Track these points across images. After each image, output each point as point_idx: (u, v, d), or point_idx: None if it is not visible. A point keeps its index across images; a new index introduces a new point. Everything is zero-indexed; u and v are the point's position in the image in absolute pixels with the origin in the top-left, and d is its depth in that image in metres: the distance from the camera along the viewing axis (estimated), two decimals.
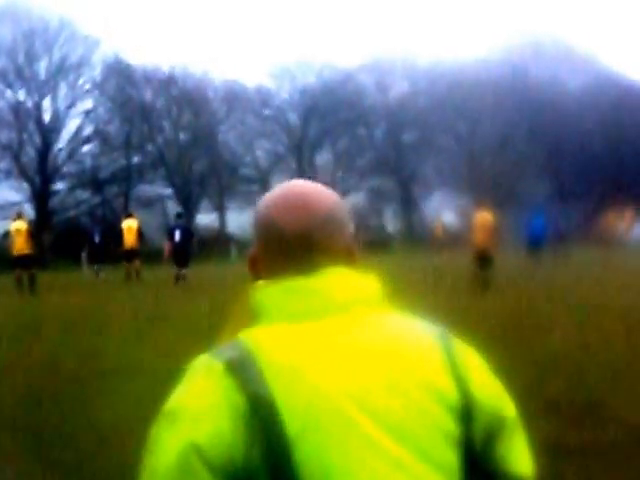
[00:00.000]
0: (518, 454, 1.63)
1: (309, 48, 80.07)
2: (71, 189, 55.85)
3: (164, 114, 59.28)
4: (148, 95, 58.29)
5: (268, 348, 1.45)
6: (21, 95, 53.75)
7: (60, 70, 54.07)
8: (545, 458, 4.33)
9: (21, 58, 52.94)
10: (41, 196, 52.78)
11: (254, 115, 63.51)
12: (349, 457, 1.38)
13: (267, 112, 64.45)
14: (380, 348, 1.51)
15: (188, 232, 25.22)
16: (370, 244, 44.14)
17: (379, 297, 1.60)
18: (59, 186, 55.78)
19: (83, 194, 56.18)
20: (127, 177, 56.88)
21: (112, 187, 57.02)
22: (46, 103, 54.56)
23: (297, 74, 64.81)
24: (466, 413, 1.52)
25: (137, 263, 26.51)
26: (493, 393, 1.62)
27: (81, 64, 54.77)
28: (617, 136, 62.37)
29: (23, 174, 53.19)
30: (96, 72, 55.89)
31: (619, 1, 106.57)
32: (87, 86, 56.01)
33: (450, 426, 1.48)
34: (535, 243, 28.42)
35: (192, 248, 24.98)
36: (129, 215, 28.90)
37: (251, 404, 1.38)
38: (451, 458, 1.48)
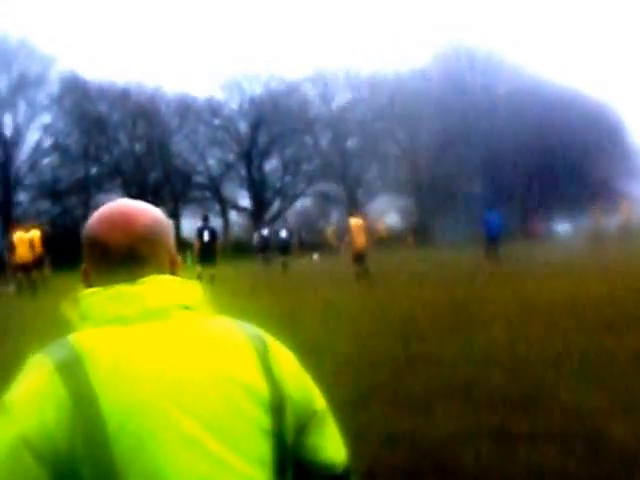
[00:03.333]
0: (328, 443, 1.75)
1: (256, 60, 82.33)
2: (33, 200, 57.30)
3: (120, 126, 61.14)
4: (104, 109, 60.13)
5: (93, 349, 1.54)
6: None
7: (19, 87, 55.74)
8: (493, 444, 5.45)
9: None
10: (4, 206, 54.04)
11: (205, 125, 65.76)
12: (167, 452, 1.48)
13: (217, 122, 66.69)
14: (196, 349, 1.61)
15: (214, 233, 26.27)
16: (315, 245, 47.19)
17: (199, 302, 1.73)
18: (21, 197, 57.44)
19: (44, 204, 57.45)
20: (86, 187, 58.51)
21: (72, 197, 58.46)
22: (7, 119, 56.30)
23: (245, 85, 67.17)
24: (277, 407, 1.63)
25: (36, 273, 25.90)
26: (303, 388, 1.74)
27: (39, 81, 56.60)
28: (547, 137, 64.87)
29: None
30: (54, 88, 57.69)
31: (545, 14, 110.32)
32: (45, 102, 57.84)
33: (262, 420, 1.60)
34: (492, 239, 29.81)
35: (217, 248, 25.81)
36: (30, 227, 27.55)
37: (74, 400, 1.47)
38: (265, 450, 1.59)
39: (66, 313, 1.72)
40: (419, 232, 58.51)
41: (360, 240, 23.10)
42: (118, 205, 1.77)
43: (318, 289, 20.70)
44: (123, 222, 1.70)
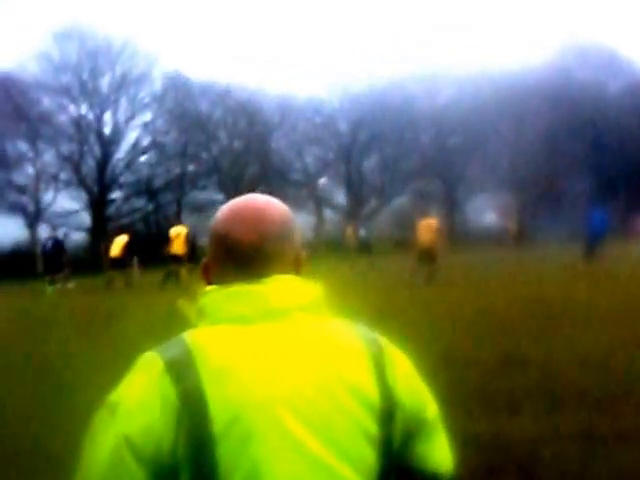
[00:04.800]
0: (436, 453, 1.74)
1: (359, 58, 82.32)
2: (127, 197, 58.48)
3: (219, 124, 61.74)
4: (205, 107, 60.77)
5: (206, 348, 1.57)
6: (83, 109, 56.65)
7: (121, 85, 56.90)
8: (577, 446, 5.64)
9: (85, 75, 55.80)
10: (98, 204, 55.42)
11: (305, 123, 65.74)
12: (271, 455, 1.49)
13: (318, 120, 66.65)
14: (311, 352, 1.61)
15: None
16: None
17: (319, 304, 1.72)
18: (116, 195, 58.55)
19: (138, 202, 58.64)
20: (181, 185, 59.40)
21: (166, 194, 59.30)
22: (107, 116, 57.48)
23: (349, 84, 66.73)
24: (387, 414, 1.62)
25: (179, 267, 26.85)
26: (416, 395, 1.73)
27: (141, 79, 57.59)
28: None
29: (82, 184, 55.88)
30: (156, 86, 58.69)
31: None
32: (147, 100, 58.84)
33: (371, 426, 1.59)
34: (595, 238, 29.68)
35: None
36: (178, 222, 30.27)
37: (182, 399, 1.50)
38: (371, 458, 1.58)
39: (183, 310, 1.72)
40: (519, 231, 57.19)
41: (424, 239, 23.15)
42: (247, 200, 1.78)
43: (402, 289, 20.81)
44: (253, 219, 1.71)
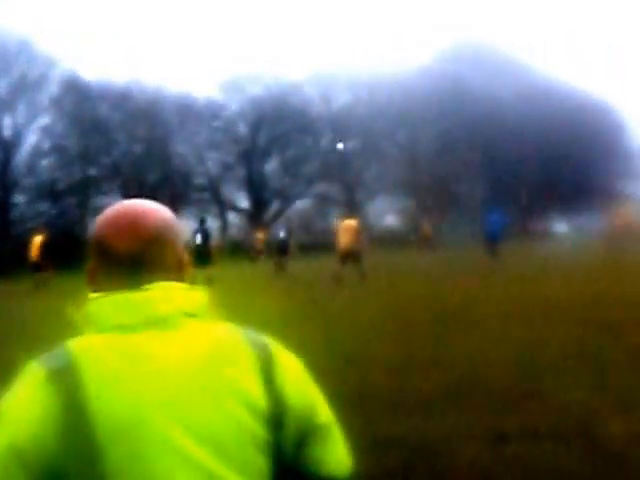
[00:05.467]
0: (331, 456, 1.71)
1: (256, 61, 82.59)
2: (30, 201, 57.04)
3: (119, 128, 61.06)
4: (104, 110, 60.05)
5: (90, 357, 1.54)
6: None
7: (19, 88, 55.42)
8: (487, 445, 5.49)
9: None
10: (1, 208, 54.08)
11: (205, 127, 65.81)
12: (158, 466, 1.47)
13: (217, 124, 66.75)
14: (197, 359, 1.59)
15: (208, 235, 27.09)
16: (314, 247, 47.20)
17: (204, 309, 1.71)
18: (19, 199, 57.14)
19: (42, 206, 57.18)
20: (84, 188, 58.26)
21: (70, 198, 58.19)
22: (6, 121, 56.01)
23: (245, 86, 67.07)
24: (276, 420, 1.61)
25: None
26: (306, 400, 1.70)
27: (39, 82, 56.26)
28: (547, 138, 65.08)
29: None
30: (53, 89, 57.38)
31: (555, 13, 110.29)
32: (45, 103, 57.40)
33: (260, 433, 1.57)
34: (493, 238, 30.91)
35: (211, 250, 26.73)
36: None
37: (65, 409, 1.47)
38: (261, 464, 1.57)
39: (72, 317, 1.68)
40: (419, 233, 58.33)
41: (345, 240, 23.20)
42: (126, 207, 1.74)
43: (312, 290, 20.90)
44: (131, 225, 1.68)
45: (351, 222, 24.07)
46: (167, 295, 1.65)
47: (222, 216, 64.42)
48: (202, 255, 25.78)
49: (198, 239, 26.23)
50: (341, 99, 70.77)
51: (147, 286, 1.64)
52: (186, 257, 1.79)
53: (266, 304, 15.66)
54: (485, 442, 5.76)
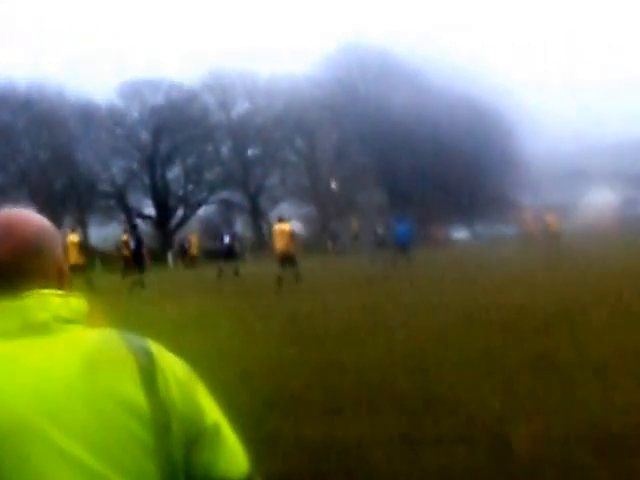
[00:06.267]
0: (222, 459, 1.65)
1: (156, 67, 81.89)
2: None
3: (23, 135, 60.72)
4: (6, 116, 59.54)
5: None
6: None
7: None
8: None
9: None
10: None
11: (108, 133, 65.70)
12: (46, 472, 1.43)
13: (120, 131, 66.71)
14: (75, 364, 1.54)
15: (140, 241, 27.95)
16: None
17: (82, 315, 1.65)
18: None
19: None
20: None
21: None
22: None
23: (146, 93, 67.19)
24: (161, 423, 1.56)
25: None
26: (191, 402, 1.65)
27: None
28: (441, 146, 66.45)
29: None
30: None
31: (437, 16, 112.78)
32: None
33: (144, 437, 1.52)
34: (403, 246, 32.31)
35: (145, 255, 27.42)
36: None
37: None
38: (149, 468, 1.52)
39: None
40: (322, 239, 59.28)
41: (280, 244, 23.84)
42: (1, 215, 1.69)
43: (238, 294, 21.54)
44: (5, 234, 1.63)
45: (284, 226, 24.63)
46: (43, 301, 1.60)
47: (129, 223, 64.38)
48: (136, 260, 26.47)
49: (132, 245, 26.80)
50: (240, 107, 71.30)
51: (23, 294, 1.59)
52: (66, 266, 1.76)
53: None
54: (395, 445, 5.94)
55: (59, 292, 1.65)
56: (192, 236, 44.53)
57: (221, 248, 34.42)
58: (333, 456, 5.72)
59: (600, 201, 65.92)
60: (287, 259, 23.61)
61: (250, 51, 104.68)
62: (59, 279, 1.70)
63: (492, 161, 67.84)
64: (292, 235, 24.40)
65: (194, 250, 42.88)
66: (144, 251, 27.63)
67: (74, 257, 25.46)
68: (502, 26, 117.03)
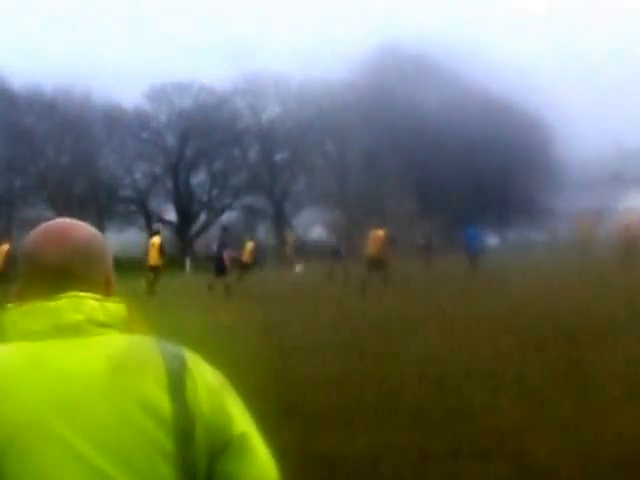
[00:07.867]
0: (248, 470, 1.65)
1: (185, 72, 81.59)
2: None
3: (46, 138, 60.42)
4: (30, 119, 59.46)
5: None
6: None
7: None
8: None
9: None
10: None
11: (133, 138, 65.30)
12: (54, 471, 1.46)
13: (145, 135, 66.37)
14: (101, 368, 1.58)
15: (223, 244, 28.05)
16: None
17: (119, 320, 1.68)
18: None
19: None
20: (9, 200, 57.76)
21: None
22: None
23: (174, 97, 66.76)
24: (184, 430, 1.57)
25: None
26: (219, 410, 1.66)
27: None
28: (475, 151, 65.93)
29: None
30: None
31: (482, 21, 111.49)
32: None
33: (166, 444, 1.54)
34: (474, 253, 32.79)
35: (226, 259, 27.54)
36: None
37: None
38: (166, 474, 1.54)
39: None
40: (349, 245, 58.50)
41: (372, 248, 25.05)
42: (56, 222, 1.77)
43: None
44: (57, 237, 1.69)
45: (379, 232, 25.66)
46: (77, 304, 1.64)
47: (149, 228, 64.03)
48: (217, 263, 27.33)
49: (215, 248, 27.98)
50: (270, 111, 70.55)
51: (59, 295, 1.64)
52: (113, 275, 1.80)
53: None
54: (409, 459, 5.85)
55: (97, 296, 1.68)
56: (249, 243, 42.77)
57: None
58: (346, 471, 5.67)
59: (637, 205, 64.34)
60: (376, 263, 24.69)
61: (284, 54, 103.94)
62: (106, 287, 1.74)
63: (524, 165, 66.54)
64: (385, 241, 25.43)
65: (248, 257, 41.18)
66: (226, 255, 27.68)
67: (154, 259, 26.46)
68: (539, 29, 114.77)
